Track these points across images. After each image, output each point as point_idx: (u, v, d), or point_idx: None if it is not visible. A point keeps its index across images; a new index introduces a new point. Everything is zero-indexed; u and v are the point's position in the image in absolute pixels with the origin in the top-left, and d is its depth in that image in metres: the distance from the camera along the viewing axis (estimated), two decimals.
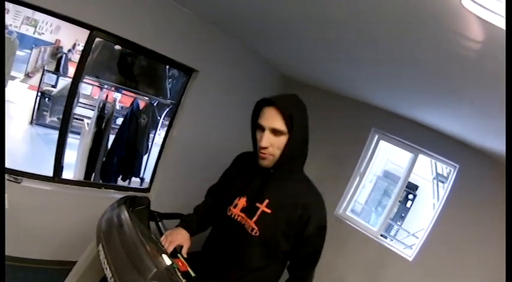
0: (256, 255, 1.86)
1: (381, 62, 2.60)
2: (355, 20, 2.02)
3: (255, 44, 3.78)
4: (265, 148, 1.76)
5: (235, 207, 1.90)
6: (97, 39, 3.16)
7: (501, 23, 1.26)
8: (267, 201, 1.83)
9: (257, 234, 1.80)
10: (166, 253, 1.66)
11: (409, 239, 7.27)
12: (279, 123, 1.72)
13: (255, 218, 1.81)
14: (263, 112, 1.79)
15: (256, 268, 1.89)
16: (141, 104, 4.98)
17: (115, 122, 6.17)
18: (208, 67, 3.72)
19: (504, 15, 1.20)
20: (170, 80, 5.50)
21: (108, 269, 1.50)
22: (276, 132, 1.74)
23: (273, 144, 1.76)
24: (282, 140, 1.75)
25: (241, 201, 1.89)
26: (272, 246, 1.84)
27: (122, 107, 7.83)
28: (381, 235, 4.54)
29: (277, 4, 2.30)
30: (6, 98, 2.82)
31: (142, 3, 3.05)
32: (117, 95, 7.51)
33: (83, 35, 3.01)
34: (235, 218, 1.88)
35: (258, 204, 1.83)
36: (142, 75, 4.96)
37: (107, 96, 5.04)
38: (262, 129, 1.77)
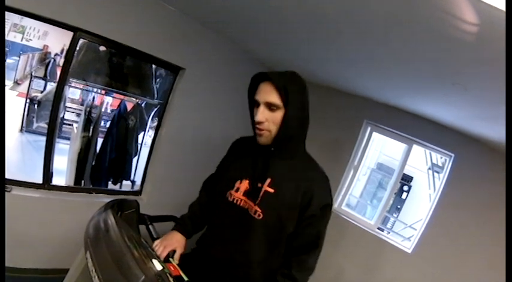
0: (261, 240, 1.81)
1: (372, 54, 2.57)
2: (344, 11, 1.98)
3: (243, 41, 3.74)
4: (261, 123, 1.72)
5: (237, 191, 1.86)
6: (82, 41, 3.11)
7: (498, 3, 1.21)
8: (269, 180, 1.79)
9: (260, 217, 1.76)
10: (157, 258, 1.61)
11: (407, 231, 7.27)
12: (274, 97, 1.69)
13: (258, 200, 1.78)
14: (259, 87, 1.76)
15: (259, 260, 1.84)
16: (129, 106, 4.93)
17: (105, 125, 6.14)
18: (195, 65, 3.67)
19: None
20: (157, 79, 5.45)
21: (96, 277, 1.44)
22: (271, 106, 1.70)
23: (268, 119, 1.72)
24: (278, 115, 1.72)
25: (243, 184, 1.86)
26: (277, 229, 1.79)
27: (111, 111, 7.79)
28: (378, 228, 4.52)
29: (265, 1, 2.26)
30: None
31: (127, 2, 3.00)
32: (108, 99, 7.49)
33: (70, 39, 2.96)
34: (238, 203, 1.84)
35: (260, 185, 1.79)
36: (129, 76, 4.91)
37: (93, 98, 5.00)
38: (258, 104, 1.74)
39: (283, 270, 1.84)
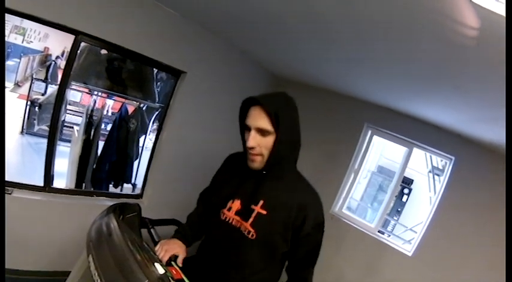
0: (254, 258, 1.82)
1: (372, 56, 2.57)
2: (344, 14, 1.99)
3: (242, 43, 3.74)
4: (253, 148, 1.73)
5: (229, 210, 1.87)
6: (83, 44, 3.11)
7: (498, 8, 1.22)
8: (261, 202, 1.79)
9: (253, 236, 1.76)
10: (159, 261, 1.61)
11: (407, 234, 7.26)
12: (264, 123, 1.69)
13: (250, 220, 1.77)
14: (250, 112, 1.76)
15: (254, 272, 1.85)
16: (130, 109, 4.93)
17: (105, 128, 6.13)
18: (196, 68, 3.67)
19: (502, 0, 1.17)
20: (158, 83, 5.45)
21: (98, 280, 1.44)
22: (262, 131, 1.71)
23: (260, 144, 1.73)
24: (269, 139, 1.72)
25: (235, 204, 1.86)
26: (270, 248, 1.81)
27: (113, 113, 7.79)
28: (378, 231, 4.52)
29: (264, 3, 2.26)
30: None
31: (128, 6, 3.00)
32: (109, 102, 7.49)
33: (71, 41, 2.96)
34: (230, 221, 1.85)
35: (252, 206, 1.79)
36: (130, 80, 4.90)
37: (95, 102, 5.00)
38: (249, 129, 1.74)
39: None
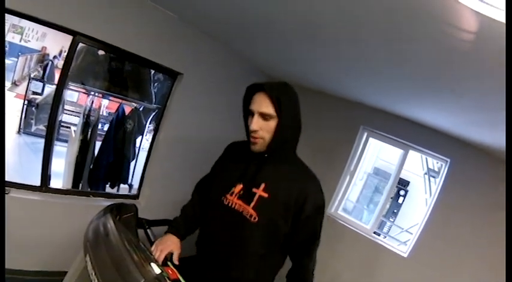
0: (257, 242, 1.86)
1: (368, 58, 2.57)
2: (341, 17, 2.00)
3: (239, 45, 3.75)
4: (255, 131, 1.79)
5: (231, 194, 1.91)
6: (81, 45, 3.12)
7: (494, 13, 1.23)
8: (263, 185, 1.85)
9: (256, 219, 1.81)
10: (155, 261, 1.62)
11: (403, 235, 7.28)
12: (267, 107, 1.77)
13: (252, 204, 1.83)
14: (253, 98, 1.84)
15: (257, 257, 1.89)
16: (127, 110, 4.93)
17: (102, 129, 6.13)
18: (193, 70, 3.69)
19: (498, 5, 1.18)
20: (155, 84, 5.45)
21: (96, 280, 1.46)
22: (265, 116, 1.78)
23: (262, 128, 1.80)
24: (272, 124, 1.80)
25: (237, 188, 1.91)
26: (272, 231, 1.85)
27: (108, 113, 7.78)
28: (374, 232, 4.53)
29: (260, 5, 2.27)
30: None
31: (125, 7, 3.01)
32: (106, 102, 7.48)
33: (68, 41, 2.97)
34: (232, 205, 1.89)
35: (254, 190, 1.85)
36: (127, 80, 4.90)
37: (92, 102, 5.00)
38: (252, 114, 1.81)
39: (294, 274, 1.99)
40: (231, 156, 2.16)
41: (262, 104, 1.78)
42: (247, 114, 1.89)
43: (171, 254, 1.90)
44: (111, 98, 5.25)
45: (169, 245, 1.96)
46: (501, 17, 1.23)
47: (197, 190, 2.34)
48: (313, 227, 1.92)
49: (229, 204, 1.90)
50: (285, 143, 1.88)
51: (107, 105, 7.97)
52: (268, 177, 1.86)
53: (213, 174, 2.24)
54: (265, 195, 1.82)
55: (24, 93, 8.28)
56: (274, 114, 1.78)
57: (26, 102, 7.93)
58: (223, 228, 1.93)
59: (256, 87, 1.85)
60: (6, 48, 9.09)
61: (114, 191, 4.67)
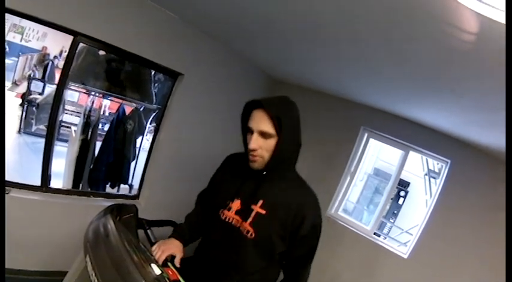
0: (252, 258, 1.84)
1: (368, 59, 2.57)
2: (341, 17, 2.00)
3: (240, 45, 3.74)
4: (254, 150, 1.76)
5: (229, 210, 1.89)
6: (81, 45, 3.11)
7: (493, 13, 1.23)
8: (261, 202, 1.82)
9: (252, 236, 1.79)
10: (155, 262, 1.62)
11: (403, 236, 7.28)
12: (267, 126, 1.72)
13: (249, 220, 1.80)
14: (252, 114, 1.79)
15: (253, 271, 1.88)
16: (127, 110, 4.93)
17: (103, 129, 6.13)
18: (193, 70, 3.68)
19: (497, 6, 1.18)
20: (156, 84, 5.45)
21: (95, 281, 1.46)
22: (264, 134, 1.74)
23: (261, 147, 1.76)
24: (271, 142, 1.75)
25: (235, 204, 1.88)
26: (268, 248, 1.83)
27: (110, 114, 7.78)
28: (374, 233, 4.53)
29: (260, 5, 2.27)
30: None
31: (126, 7, 3.00)
32: (106, 102, 7.48)
33: (69, 41, 2.96)
34: (230, 221, 1.87)
35: (252, 206, 1.82)
36: (128, 81, 4.90)
37: (93, 102, 5.00)
38: (252, 131, 1.77)
39: None
40: (229, 169, 2.13)
41: (262, 122, 1.74)
42: (246, 130, 1.86)
43: (172, 257, 1.90)
44: (111, 98, 5.25)
45: (172, 247, 1.95)
46: (501, 17, 1.23)
47: (199, 201, 2.33)
48: (310, 244, 1.92)
49: (227, 219, 1.89)
50: (284, 161, 1.86)
51: (109, 106, 7.98)
52: (267, 194, 1.84)
53: (211, 187, 2.22)
54: (263, 211, 1.80)
55: (24, 93, 8.28)
56: (274, 133, 1.74)
57: (26, 102, 7.92)
58: (221, 242, 1.92)
59: (255, 104, 1.80)
60: (6, 50, 9.08)
61: (114, 191, 4.67)
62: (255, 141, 1.75)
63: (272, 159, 1.78)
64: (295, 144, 1.87)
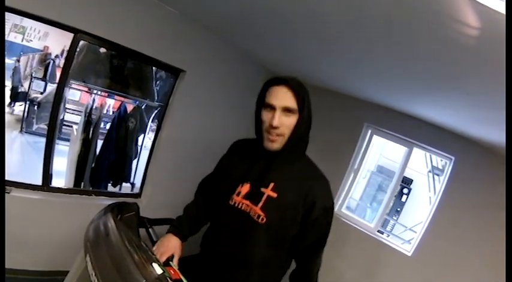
0: (263, 244, 1.81)
1: (372, 55, 2.55)
2: (344, 13, 1.97)
3: (242, 42, 3.72)
4: (276, 128, 1.71)
5: (238, 194, 1.85)
6: (82, 43, 3.09)
7: (499, 7, 1.21)
8: (272, 184, 1.79)
9: (264, 221, 1.76)
10: (157, 261, 1.60)
11: (406, 234, 7.26)
12: (292, 102, 1.71)
13: (260, 204, 1.77)
14: (272, 91, 1.76)
15: (264, 259, 1.84)
16: (129, 108, 4.92)
17: (105, 127, 6.13)
18: (195, 67, 3.66)
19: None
20: (157, 82, 5.44)
21: (96, 281, 1.43)
22: (287, 111, 1.71)
23: (283, 124, 1.72)
24: (292, 120, 1.73)
25: (244, 188, 1.85)
26: (280, 233, 1.80)
27: (113, 112, 7.78)
28: (378, 231, 4.51)
29: (264, 1, 2.25)
30: None
31: (127, 4, 2.99)
32: (110, 101, 7.48)
33: (70, 40, 2.95)
34: (239, 206, 1.83)
35: (263, 189, 1.79)
36: (129, 78, 4.90)
37: (94, 100, 4.99)
38: (272, 108, 1.73)
39: (298, 276, 1.98)
40: (236, 154, 2.09)
41: (286, 98, 1.71)
42: (260, 108, 1.82)
43: (172, 256, 1.87)
44: (115, 96, 5.24)
45: (170, 248, 1.92)
46: (502, 9, 1.21)
47: (200, 190, 2.27)
48: (321, 229, 1.88)
49: (236, 205, 1.84)
50: (301, 141, 1.84)
51: (113, 105, 7.99)
52: (278, 177, 1.80)
53: (217, 174, 2.18)
54: (274, 195, 1.77)
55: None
56: (297, 109, 1.72)
57: (27, 101, 7.93)
58: (230, 229, 1.88)
59: (275, 81, 1.77)
60: (8, 49, 9.09)
61: (116, 189, 4.67)
62: (279, 118, 1.70)
63: (292, 137, 1.75)
64: (310, 124, 1.84)
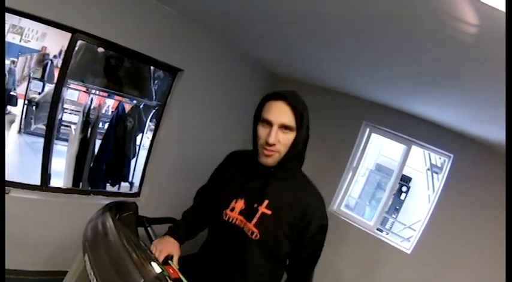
0: (257, 259, 1.80)
1: (370, 54, 2.55)
2: (343, 12, 1.97)
3: (240, 41, 3.72)
4: (272, 145, 1.67)
5: (232, 210, 1.83)
6: (80, 43, 3.09)
7: (498, 4, 1.20)
8: (266, 202, 1.76)
9: (257, 237, 1.74)
10: (156, 260, 1.59)
11: (406, 232, 7.26)
12: (290, 119, 1.66)
13: (254, 221, 1.75)
14: (270, 106, 1.70)
15: (257, 273, 1.83)
16: (127, 107, 4.91)
17: (103, 127, 6.11)
18: (193, 66, 3.65)
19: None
20: (156, 81, 5.43)
21: (94, 280, 1.43)
22: (284, 128, 1.67)
23: (280, 141, 1.68)
24: (289, 137, 1.69)
25: (239, 204, 1.82)
26: (273, 249, 1.79)
27: (112, 112, 7.77)
28: (377, 229, 4.51)
29: (262, 1, 2.24)
30: None
31: (125, 4, 2.98)
32: (110, 102, 7.47)
33: (68, 40, 2.94)
34: (233, 222, 1.81)
35: (257, 206, 1.76)
36: (127, 78, 4.88)
37: (92, 100, 4.98)
38: (269, 124, 1.69)
39: None
40: (232, 168, 2.04)
41: (284, 115, 1.65)
42: (257, 122, 1.77)
43: (171, 256, 1.86)
44: (114, 96, 5.23)
45: (169, 247, 1.90)
46: (502, 6, 1.20)
47: (198, 198, 2.25)
48: (316, 245, 1.86)
49: (230, 220, 1.83)
50: (297, 158, 1.82)
51: (112, 105, 7.98)
52: (273, 194, 1.78)
53: (212, 185, 2.14)
54: (269, 212, 1.74)
55: (24, 93, 8.28)
56: (294, 126, 1.66)
57: (26, 102, 7.92)
58: (223, 244, 1.88)
59: (273, 96, 1.71)
60: (7, 49, 9.08)
61: (115, 189, 4.65)
62: (276, 135, 1.66)
63: (287, 155, 1.72)
64: (307, 141, 1.81)
